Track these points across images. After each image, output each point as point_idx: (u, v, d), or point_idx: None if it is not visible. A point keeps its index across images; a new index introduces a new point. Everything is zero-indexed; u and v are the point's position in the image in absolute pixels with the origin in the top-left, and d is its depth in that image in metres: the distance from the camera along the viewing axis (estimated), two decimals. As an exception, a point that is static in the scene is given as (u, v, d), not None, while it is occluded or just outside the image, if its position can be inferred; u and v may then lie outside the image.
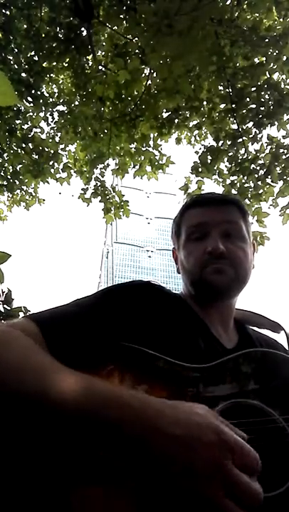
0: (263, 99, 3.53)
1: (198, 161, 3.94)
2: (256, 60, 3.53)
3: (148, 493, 0.49)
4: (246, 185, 3.96)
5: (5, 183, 4.87)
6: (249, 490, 0.47)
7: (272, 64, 3.37)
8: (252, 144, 3.82)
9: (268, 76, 3.62)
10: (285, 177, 3.81)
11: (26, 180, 4.90)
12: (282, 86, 3.62)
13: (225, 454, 0.47)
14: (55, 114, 4.65)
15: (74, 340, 0.65)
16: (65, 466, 0.52)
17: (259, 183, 3.89)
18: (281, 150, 3.74)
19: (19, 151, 4.58)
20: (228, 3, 3.07)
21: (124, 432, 0.47)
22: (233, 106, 3.58)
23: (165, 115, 4.16)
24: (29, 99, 3.99)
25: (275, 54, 3.29)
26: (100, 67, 4.03)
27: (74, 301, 0.74)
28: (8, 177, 4.86)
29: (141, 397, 0.52)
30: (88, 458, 0.51)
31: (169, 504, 0.48)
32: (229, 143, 3.84)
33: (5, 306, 2.31)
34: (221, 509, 0.46)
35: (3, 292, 2.34)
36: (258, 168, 3.88)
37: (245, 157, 3.87)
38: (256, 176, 3.88)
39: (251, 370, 0.70)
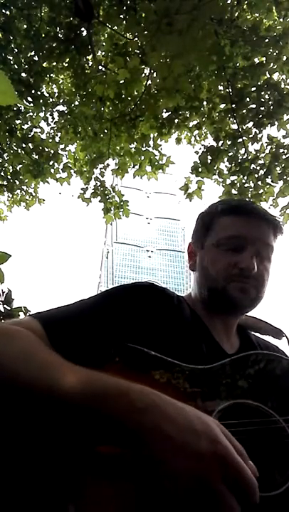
0: (263, 99, 3.54)
1: (198, 161, 3.95)
2: (256, 60, 3.53)
3: (146, 491, 0.49)
4: (246, 185, 3.96)
5: (5, 183, 4.88)
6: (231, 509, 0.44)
7: (272, 64, 3.37)
8: (252, 144, 3.82)
9: (268, 76, 3.62)
10: (285, 177, 3.81)
11: (26, 180, 4.90)
12: (282, 86, 3.62)
13: (215, 468, 0.45)
14: (55, 114, 4.67)
15: (77, 340, 0.66)
16: (68, 461, 0.53)
17: (259, 183, 3.89)
18: (281, 150, 3.75)
19: (19, 151, 4.58)
20: (228, 2, 3.07)
21: (124, 427, 0.47)
22: (233, 106, 3.58)
23: (165, 115, 4.16)
24: (29, 99, 3.99)
25: (275, 54, 3.29)
26: (100, 67, 4.03)
27: (78, 301, 0.74)
28: (8, 177, 4.86)
29: (150, 393, 0.51)
30: (90, 454, 0.52)
31: (162, 503, 0.47)
32: (229, 143, 3.84)
33: (5, 306, 2.31)
34: None
35: (3, 292, 2.34)
36: (258, 168, 3.88)
37: (245, 157, 3.87)
38: (256, 176, 3.88)
39: (252, 372, 0.70)
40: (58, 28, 3.79)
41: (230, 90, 3.52)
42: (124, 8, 3.43)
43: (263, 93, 3.53)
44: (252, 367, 0.71)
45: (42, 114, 4.60)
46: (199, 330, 0.81)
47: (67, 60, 3.97)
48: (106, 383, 0.52)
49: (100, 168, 4.82)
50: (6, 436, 0.54)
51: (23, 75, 4.00)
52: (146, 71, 3.79)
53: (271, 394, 0.67)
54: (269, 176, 3.81)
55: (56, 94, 4.66)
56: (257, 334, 0.93)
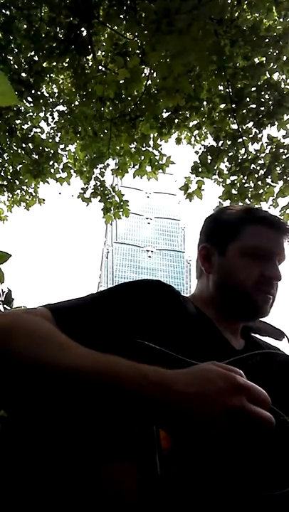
0: (263, 99, 3.53)
1: (198, 161, 3.95)
2: (256, 60, 3.53)
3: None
4: (246, 185, 3.96)
5: (5, 183, 4.88)
6: (265, 418, 0.51)
7: (272, 64, 3.37)
8: (252, 144, 3.82)
9: (268, 76, 3.62)
10: (285, 177, 3.81)
11: (26, 180, 4.91)
12: (282, 86, 3.62)
13: (239, 396, 0.51)
14: (55, 114, 4.66)
15: (85, 330, 0.67)
16: (93, 439, 0.55)
17: (259, 183, 3.89)
18: (281, 150, 3.74)
19: (19, 151, 4.58)
20: (228, 2, 3.07)
21: (146, 398, 0.51)
22: (233, 106, 3.58)
23: (165, 115, 4.16)
24: (29, 99, 3.99)
25: (275, 54, 3.29)
26: (100, 67, 4.03)
27: (88, 295, 0.76)
28: (8, 177, 4.86)
29: (156, 368, 0.56)
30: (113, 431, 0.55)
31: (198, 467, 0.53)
32: (229, 143, 3.84)
33: (5, 306, 2.31)
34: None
35: (3, 292, 2.34)
36: (258, 168, 3.88)
37: (245, 157, 3.87)
38: (256, 175, 3.88)
39: (260, 371, 0.70)
40: (58, 28, 3.79)
41: (230, 90, 3.52)
42: (124, 8, 3.42)
43: (263, 93, 3.53)
44: (260, 365, 0.71)
45: (42, 114, 4.60)
46: (208, 327, 0.83)
47: (67, 60, 3.97)
48: (124, 364, 0.55)
49: (100, 168, 4.82)
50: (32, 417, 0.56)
51: (23, 75, 4.00)
52: (146, 71, 3.79)
53: (279, 394, 0.68)
54: (269, 176, 3.81)
55: (56, 94, 4.65)
56: (257, 335, 0.93)
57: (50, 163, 4.73)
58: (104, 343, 0.66)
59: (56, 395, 0.54)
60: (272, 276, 0.83)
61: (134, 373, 0.53)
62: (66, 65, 4.08)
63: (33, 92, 3.98)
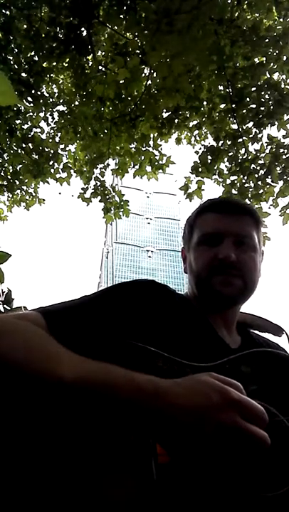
0: (263, 99, 3.53)
1: (198, 161, 3.94)
2: (256, 60, 3.53)
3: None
4: (246, 185, 3.96)
5: (5, 183, 4.87)
6: (258, 436, 0.50)
7: (272, 64, 3.37)
8: (252, 144, 3.82)
9: (268, 76, 3.61)
10: (285, 177, 3.80)
11: (26, 180, 4.90)
12: (282, 86, 3.62)
13: (232, 412, 0.50)
14: (55, 114, 4.66)
15: (77, 333, 0.66)
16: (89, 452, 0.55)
17: (259, 183, 3.89)
18: (281, 150, 3.74)
19: (19, 151, 4.58)
20: (228, 2, 3.07)
21: (140, 410, 0.51)
22: (233, 106, 3.58)
23: (165, 115, 4.16)
24: (29, 99, 3.98)
25: (275, 54, 3.29)
26: (100, 67, 4.03)
27: (81, 297, 0.76)
28: (8, 177, 4.86)
29: (151, 378, 0.55)
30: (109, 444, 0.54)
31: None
32: (229, 143, 3.84)
33: (5, 306, 2.31)
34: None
35: (3, 292, 2.34)
36: (258, 168, 3.88)
37: (245, 157, 3.87)
38: (256, 175, 3.88)
39: (256, 370, 0.70)
40: (58, 28, 3.79)
41: (230, 90, 3.52)
42: (124, 8, 3.42)
43: (263, 93, 3.53)
44: (255, 364, 0.70)
45: (42, 114, 4.60)
46: (202, 326, 0.82)
47: (67, 60, 3.97)
48: (116, 372, 0.54)
49: (100, 168, 4.81)
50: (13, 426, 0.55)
51: (23, 75, 4.00)
52: (146, 71, 3.79)
53: (275, 393, 0.67)
54: (269, 176, 3.80)
55: (56, 94, 4.65)
56: (257, 332, 0.93)
57: (50, 163, 4.73)
58: (98, 346, 0.66)
59: (44, 403, 0.53)
60: (222, 258, 0.81)
61: (129, 385, 0.52)
62: (66, 65, 4.08)
63: (33, 92, 3.98)
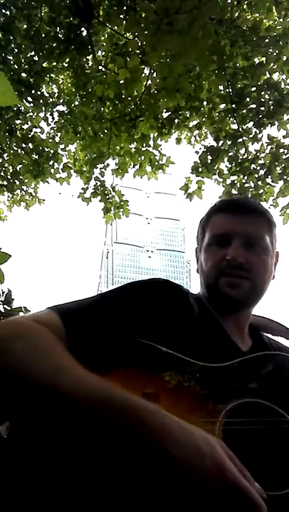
0: (263, 99, 3.53)
1: (198, 161, 3.95)
2: (256, 60, 3.53)
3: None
4: (246, 185, 3.96)
5: (5, 183, 4.88)
6: None
7: (272, 64, 3.37)
8: (252, 144, 3.82)
9: (268, 76, 3.62)
10: (285, 177, 3.81)
11: (26, 180, 4.91)
12: (282, 86, 3.62)
13: (221, 493, 0.45)
14: (55, 114, 4.67)
15: (94, 335, 0.66)
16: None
17: (259, 183, 3.89)
18: (281, 150, 3.75)
19: (19, 151, 4.58)
20: (228, 2, 3.07)
21: (132, 443, 0.46)
22: (233, 106, 3.58)
23: (165, 115, 4.16)
24: (29, 99, 3.99)
25: (275, 54, 3.29)
26: (100, 67, 4.03)
27: (96, 295, 0.75)
28: (8, 177, 4.87)
29: (156, 414, 0.50)
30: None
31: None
32: (229, 143, 3.84)
33: (5, 306, 2.31)
34: None
35: (3, 292, 2.34)
36: (258, 168, 3.88)
37: (245, 157, 3.87)
38: (256, 175, 3.88)
39: (265, 372, 0.70)
40: (58, 28, 3.79)
41: (230, 90, 3.52)
42: (124, 8, 3.42)
43: (263, 93, 3.53)
44: (265, 367, 0.71)
45: (42, 114, 4.60)
46: (214, 327, 0.81)
47: (67, 60, 3.97)
48: (113, 395, 0.50)
49: (100, 168, 4.82)
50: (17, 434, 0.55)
51: (23, 75, 4.01)
52: (146, 71, 3.79)
53: (283, 394, 0.67)
54: (269, 176, 3.81)
55: (56, 94, 4.66)
56: (269, 335, 0.92)
57: (50, 163, 4.73)
58: (114, 346, 0.66)
59: (47, 414, 0.50)
60: (230, 259, 0.80)
61: (132, 414, 0.48)
62: (66, 65, 4.08)
63: (33, 92, 3.98)
